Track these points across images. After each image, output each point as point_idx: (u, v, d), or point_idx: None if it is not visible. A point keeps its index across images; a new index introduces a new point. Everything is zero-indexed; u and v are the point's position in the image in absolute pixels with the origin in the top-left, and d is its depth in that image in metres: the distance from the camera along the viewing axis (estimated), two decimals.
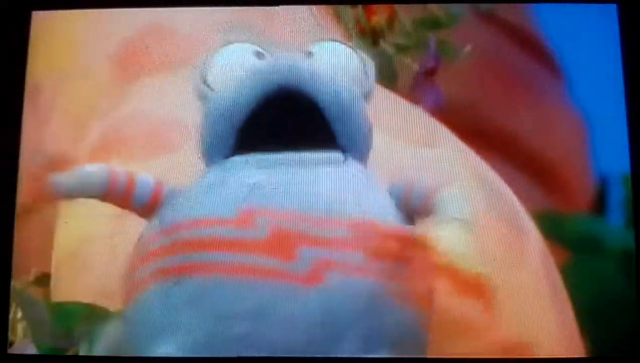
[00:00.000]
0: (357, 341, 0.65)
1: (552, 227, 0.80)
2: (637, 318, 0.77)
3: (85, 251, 0.77)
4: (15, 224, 0.81)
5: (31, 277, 0.80)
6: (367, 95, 0.72)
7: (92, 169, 0.71)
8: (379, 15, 0.85)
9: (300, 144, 0.69)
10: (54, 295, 0.78)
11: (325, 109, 0.69)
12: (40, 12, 0.87)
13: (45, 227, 0.80)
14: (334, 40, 0.75)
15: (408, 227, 0.69)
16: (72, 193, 0.71)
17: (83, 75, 0.86)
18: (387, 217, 0.68)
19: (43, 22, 0.87)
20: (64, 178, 0.71)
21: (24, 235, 0.81)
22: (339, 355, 0.65)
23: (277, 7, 0.85)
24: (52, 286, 0.79)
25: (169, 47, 0.85)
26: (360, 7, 0.86)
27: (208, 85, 0.71)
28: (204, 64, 0.73)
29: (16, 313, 0.78)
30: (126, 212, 0.72)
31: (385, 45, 0.85)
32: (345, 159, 0.70)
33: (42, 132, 0.84)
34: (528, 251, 0.79)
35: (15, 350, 0.78)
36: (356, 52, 0.74)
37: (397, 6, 0.85)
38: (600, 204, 0.82)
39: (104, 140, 0.82)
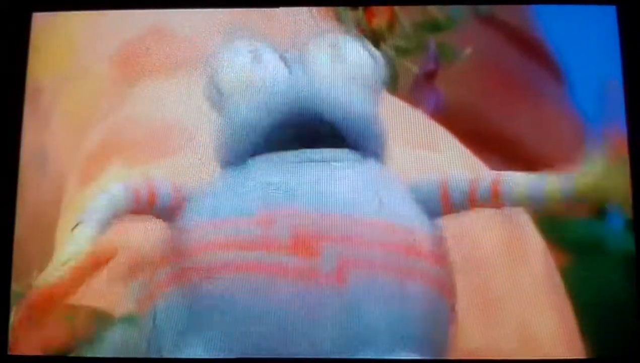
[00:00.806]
0: (385, 341, 0.65)
1: (552, 229, 0.80)
2: (638, 320, 0.77)
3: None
4: (16, 226, 0.82)
5: (32, 280, 0.80)
6: (379, 91, 0.73)
7: (115, 192, 0.70)
8: (379, 18, 0.85)
9: (319, 144, 0.70)
10: None
11: (340, 125, 0.70)
12: (40, 13, 0.87)
13: (47, 230, 0.80)
14: (344, 36, 0.76)
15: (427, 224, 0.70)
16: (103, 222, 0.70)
17: (83, 77, 0.86)
18: (409, 213, 0.69)
19: (43, 23, 0.87)
20: (91, 212, 0.69)
21: (25, 237, 0.81)
22: (361, 357, 0.65)
23: (277, 9, 0.85)
24: None
25: (169, 48, 0.85)
26: (360, 9, 0.86)
27: (219, 90, 0.72)
28: (210, 64, 0.74)
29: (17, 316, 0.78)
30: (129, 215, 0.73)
31: (386, 48, 0.85)
32: (364, 157, 0.70)
33: (42, 134, 0.84)
34: (528, 253, 0.79)
35: None
36: (367, 49, 0.74)
37: (397, 9, 0.85)
38: (600, 207, 0.82)
39: (105, 142, 0.82)
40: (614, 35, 0.83)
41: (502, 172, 0.73)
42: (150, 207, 0.71)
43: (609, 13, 0.84)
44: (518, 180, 0.71)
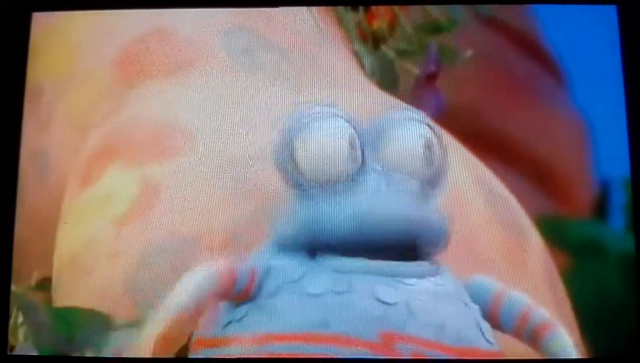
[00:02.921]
0: None
1: (553, 231, 0.80)
2: (637, 321, 0.77)
3: (87, 256, 0.77)
4: (16, 227, 0.82)
5: (32, 282, 0.80)
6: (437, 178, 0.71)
7: (198, 279, 0.68)
8: (380, 20, 0.85)
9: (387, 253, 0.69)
10: (55, 300, 0.78)
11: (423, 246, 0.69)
12: (40, 13, 0.87)
13: (47, 231, 0.80)
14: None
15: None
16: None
17: (83, 77, 0.86)
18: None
19: (43, 23, 0.86)
20: (181, 302, 0.68)
21: (25, 239, 0.82)
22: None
23: (277, 9, 0.85)
24: (54, 291, 0.78)
25: (169, 48, 0.84)
26: (361, 11, 0.86)
27: (294, 160, 0.69)
28: (292, 129, 0.70)
29: (17, 318, 0.79)
30: (128, 217, 0.73)
31: (387, 50, 0.85)
32: (437, 269, 0.70)
33: (42, 135, 0.84)
34: (529, 255, 0.79)
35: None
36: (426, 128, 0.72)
37: (398, 10, 0.85)
38: (601, 208, 0.82)
39: (105, 143, 0.82)
40: (614, 35, 0.83)
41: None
42: (231, 289, 0.69)
43: (610, 13, 0.84)
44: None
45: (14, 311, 0.79)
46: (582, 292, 0.79)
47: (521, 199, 0.80)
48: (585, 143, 0.83)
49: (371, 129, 0.71)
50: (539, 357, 0.73)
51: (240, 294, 0.68)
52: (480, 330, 0.68)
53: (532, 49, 0.86)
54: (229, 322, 0.68)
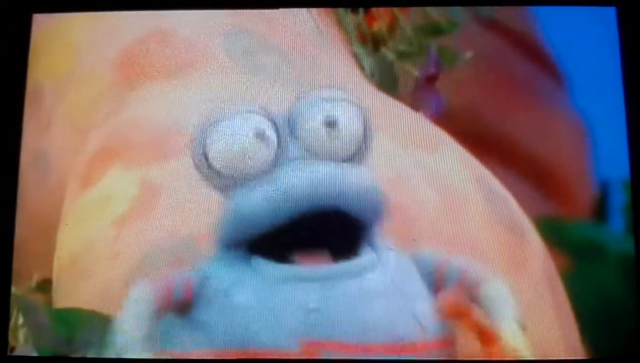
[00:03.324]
0: None
1: (552, 232, 0.80)
2: (637, 322, 0.77)
3: (87, 257, 0.77)
4: (16, 228, 0.82)
5: (33, 283, 0.80)
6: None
7: (137, 296, 0.71)
8: (380, 21, 0.85)
9: (329, 247, 0.70)
10: (55, 301, 0.78)
11: (355, 217, 0.71)
12: (41, 15, 0.87)
13: (47, 233, 0.80)
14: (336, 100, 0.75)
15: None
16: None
17: (84, 79, 0.86)
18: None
19: (44, 24, 0.87)
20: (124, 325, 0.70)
21: (25, 240, 0.82)
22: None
23: (277, 10, 0.85)
24: (54, 292, 0.79)
25: (169, 50, 0.84)
26: (361, 12, 0.86)
27: (212, 167, 0.72)
28: (203, 133, 0.73)
29: (17, 319, 0.79)
30: (128, 218, 0.73)
31: (386, 52, 0.85)
32: (378, 257, 0.71)
33: (42, 137, 0.84)
34: (529, 256, 0.79)
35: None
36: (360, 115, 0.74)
37: (398, 12, 0.85)
38: (600, 209, 0.82)
39: (106, 145, 0.82)
40: (613, 37, 0.83)
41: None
42: (170, 300, 0.71)
43: (609, 14, 0.84)
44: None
45: (14, 312, 0.79)
46: (582, 293, 0.79)
47: (521, 200, 0.80)
48: (585, 144, 0.83)
49: (288, 113, 0.73)
50: (540, 357, 0.73)
51: (179, 306, 0.71)
52: (416, 317, 0.69)
53: (531, 51, 0.86)
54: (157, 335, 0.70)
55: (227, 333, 0.69)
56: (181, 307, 0.71)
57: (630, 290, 0.78)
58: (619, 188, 0.81)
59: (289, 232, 0.70)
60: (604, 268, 0.80)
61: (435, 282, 0.72)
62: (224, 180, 0.72)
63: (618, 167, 0.81)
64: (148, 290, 0.70)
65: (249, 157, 0.71)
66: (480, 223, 0.77)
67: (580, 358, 0.77)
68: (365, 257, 0.71)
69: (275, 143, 0.72)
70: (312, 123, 0.73)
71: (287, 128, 0.72)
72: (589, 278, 0.80)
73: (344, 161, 0.72)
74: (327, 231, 0.71)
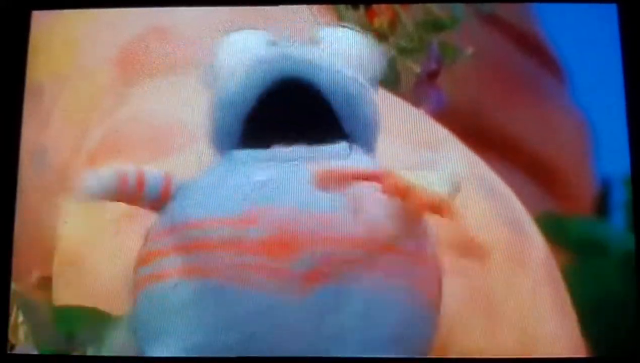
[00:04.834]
0: (358, 344, 0.65)
1: (554, 229, 0.80)
2: (638, 320, 0.77)
3: (87, 254, 0.77)
4: (16, 226, 0.81)
5: (33, 280, 0.80)
6: (374, 82, 0.72)
7: (102, 173, 0.69)
8: (381, 18, 0.85)
9: (306, 134, 0.68)
10: (55, 299, 0.78)
11: (329, 97, 0.68)
12: (40, 11, 0.86)
13: (47, 230, 0.80)
14: (342, 26, 0.75)
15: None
16: (86, 199, 0.70)
17: (83, 76, 0.86)
18: (391, 211, 0.67)
19: (43, 21, 0.86)
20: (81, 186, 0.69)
21: (24, 237, 0.81)
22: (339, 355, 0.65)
23: (277, 7, 0.85)
24: (54, 289, 0.78)
25: (169, 47, 0.84)
26: (361, 9, 0.86)
27: (213, 72, 0.71)
28: (213, 51, 0.72)
29: (17, 317, 0.79)
30: (128, 214, 0.73)
31: (388, 48, 0.85)
32: (351, 150, 0.69)
33: (42, 134, 0.84)
34: (530, 253, 0.79)
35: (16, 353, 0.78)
36: (364, 37, 0.73)
37: (399, 8, 0.85)
38: (602, 206, 0.82)
39: (105, 142, 0.82)
40: (614, 34, 0.83)
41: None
42: (139, 194, 0.69)
43: (610, 11, 0.84)
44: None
45: (14, 310, 0.79)
46: (583, 290, 0.79)
47: (522, 197, 0.80)
48: (586, 141, 0.83)
49: None
50: (540, 356, 0.73)
51: (154, 200, 0.69)
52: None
53: (533, 47, 0.86)
54: None
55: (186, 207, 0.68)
56: (157, 202, 0.70)
57: (631, 286, 0.78)
58: (620, 184, 0.81)
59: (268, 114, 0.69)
60: (605, 264, 0.80)
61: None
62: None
63: (619, 164, 0.81)
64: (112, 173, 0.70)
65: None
66: (481, 219, 0.77)
67: (581, 357, 0.77)
68: (338, 146, 0.69)
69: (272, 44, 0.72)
70: None
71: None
72: (590, 274, 0.80)
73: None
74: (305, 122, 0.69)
